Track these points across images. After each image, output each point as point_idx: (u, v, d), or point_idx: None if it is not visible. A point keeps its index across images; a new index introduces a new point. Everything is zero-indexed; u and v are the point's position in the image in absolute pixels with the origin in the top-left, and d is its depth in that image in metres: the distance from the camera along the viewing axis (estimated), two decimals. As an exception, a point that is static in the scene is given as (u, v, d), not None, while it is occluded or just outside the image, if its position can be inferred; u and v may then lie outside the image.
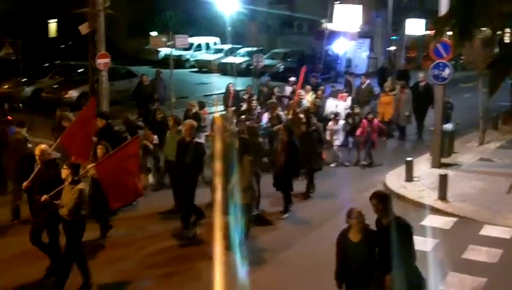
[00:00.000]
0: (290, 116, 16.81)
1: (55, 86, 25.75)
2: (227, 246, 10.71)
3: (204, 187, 13.24)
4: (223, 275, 9.55)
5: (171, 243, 11.61)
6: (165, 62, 29.33)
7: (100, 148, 10.88)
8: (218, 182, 11.37)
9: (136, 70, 27.93)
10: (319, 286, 8.22)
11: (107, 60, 20.15)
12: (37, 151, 10.05)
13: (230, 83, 21.80)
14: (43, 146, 10.21)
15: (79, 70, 26.58)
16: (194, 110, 17.12)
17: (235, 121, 16.11)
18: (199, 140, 12.30)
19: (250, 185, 11.26)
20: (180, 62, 36.80)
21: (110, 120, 13.89)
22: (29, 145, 12.12)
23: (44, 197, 9.20)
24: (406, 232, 7.33)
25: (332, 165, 17.25)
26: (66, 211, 8.91)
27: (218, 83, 25.55)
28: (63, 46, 40.20)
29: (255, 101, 18.82)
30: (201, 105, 18.10)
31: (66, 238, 9.22)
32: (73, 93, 24.86)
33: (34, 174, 10.06)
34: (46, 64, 28.98)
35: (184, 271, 10.41)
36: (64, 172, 9.09)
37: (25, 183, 10.13)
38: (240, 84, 26.30)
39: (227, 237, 10.90)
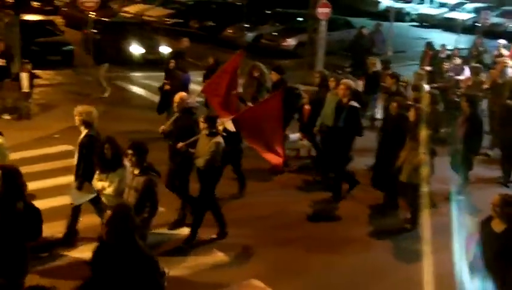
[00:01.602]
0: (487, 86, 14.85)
1: (275, 33, 26.35)
2: (379, 229, 9.91)
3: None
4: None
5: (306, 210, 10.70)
6: (384, 14, 28.64)
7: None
8: (384, 153, 10.36)
9: (355, 22, 27.58)
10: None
11: (327, 10, 20.09)
12: (176, 98, 9.89)
13: (428, 42, 20.04)
14: (182, 93, 10.07)
15: (298, 19, 26.88)
16: (374, 69, 15.30)
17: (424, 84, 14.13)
18: (355, 103, 10.83)
19: (423, 163, 9.55)
20: (400, 15, 35.69)
21: (284, 75, 12.90)
22: None
23: (180, 145, 9.19)
24: None
25: None
26: (202, 162, 8.78)
27: (439, 39, 24.26)
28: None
29: (447, 63, 16.79)
30: (386, 64, 16.14)
31: (200, 187, 9.09)
32: (291, 42, 25.29)
33: (172, 120, 10.00)
34: (268, 12, 29.71)
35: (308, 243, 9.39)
36: (201, 124, 8.93)
37: (162, 127, 10.07)
38: (463, 42, 24.85)
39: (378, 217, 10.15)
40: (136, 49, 21.61)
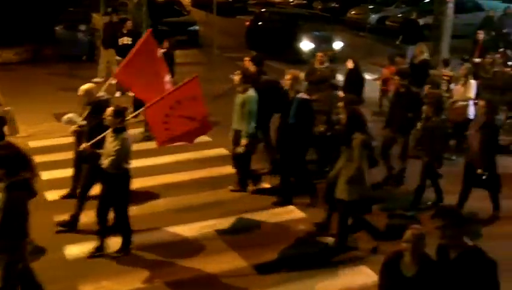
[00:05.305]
0: None
1: (400, 15, 25.71)
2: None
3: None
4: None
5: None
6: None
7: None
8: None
9: (485, 5, 26.31)
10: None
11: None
12: (80, 91, 8.64)
13: (479, 31, 17.51)
14: (87, 85, 8.75)
15: (425, 0, 26.04)
16: (421, 57, 13.34)
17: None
18: (305, 95, 9.35)
19: (359, 176, 7.75)
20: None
21: (262, 67, 11.08)
22: None
23: (83, 146, 7.97)
24: (485, 271, 4.89)
25: None
26: (107, 163, 7.56)
27: None
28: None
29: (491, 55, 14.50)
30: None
31: (102, 193, 7.86)
32: (417, 24, 24.54)
33: (83, 117, 8.65)
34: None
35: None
36: (108, 119, 7.62)
37: (73, 127, 8.86)
38: None
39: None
40: (306, 45, 19.60)
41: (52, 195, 9.29)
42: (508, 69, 14.36)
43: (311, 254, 8.01)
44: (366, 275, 7.41)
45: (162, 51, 13.48)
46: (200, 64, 19.07)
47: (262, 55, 11.70)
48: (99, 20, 19.33)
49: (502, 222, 8.97)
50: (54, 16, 19.78)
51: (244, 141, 9.36)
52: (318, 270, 7.61)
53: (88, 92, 8.55)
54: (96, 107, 8.29)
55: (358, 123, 7.91)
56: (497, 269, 4.85)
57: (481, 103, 9.14)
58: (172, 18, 22.80)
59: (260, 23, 22.40)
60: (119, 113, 7.62)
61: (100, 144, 7.77)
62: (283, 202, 9.45)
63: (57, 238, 8.17)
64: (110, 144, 7.57)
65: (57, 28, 19.29)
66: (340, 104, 8.67)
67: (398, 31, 19.17)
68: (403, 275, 5.13)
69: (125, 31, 15.54)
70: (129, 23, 16.02)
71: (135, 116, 8.69)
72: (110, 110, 7.60)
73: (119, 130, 7.57)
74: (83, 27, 19.22)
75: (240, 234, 8.58)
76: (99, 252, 7.76)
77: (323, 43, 19.89)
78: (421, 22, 23.72)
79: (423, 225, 6.39)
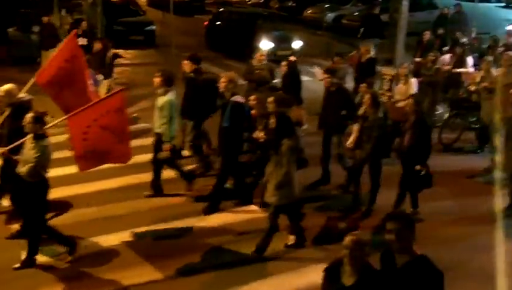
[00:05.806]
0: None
1: (356, 13, 25.97)
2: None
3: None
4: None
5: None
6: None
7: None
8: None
9: (439, 2, 26.77)
10: None
11: (409, -11, 19.52)
12: (0, 92, 8.17)
13: (427, 31, 17.79)
14: (8, 85, 8.22)
15: (380, -1, 26.41)
16: (368, 56, 13.26)
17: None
18: (239, 98, 9.18)
19: (288, 181, 7.69)
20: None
21: (200, 65, 10.81)
22: None
23: (1, 151, 7.62)
24: (432, 283, 4.61)
25: None
26: (25, 170, 7.13)
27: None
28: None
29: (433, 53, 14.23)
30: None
31: (27, 204, 7.45)
32: (372, 22, 24.78)
33: (2, 121, 8.11)
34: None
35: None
36: (27, 126, 7.18)
37: None
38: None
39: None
40: (265, 44, 18.84)
41: (8, 200, 8.94)
42: (449, 67, 14.63)
43: (231, 263, 7.86)
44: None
45: (96, 51, 13.56)
46: (157, 64, 18.79)
47: (199, 55, 11.47)
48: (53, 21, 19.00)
49: (445, 224, 8.98)
50: (7, 18, 19.35)
51: (166, 146, 9.26)
52: (283, 269, 7.70)
53: (9, 93, 8.13)
54: (17, 109, 7.93)
55: (287, 128, 7.80)
56: (444, 281, 4.61)
57: (409, 101, 9.12)
58: (128, 18, 22.58)
59: (219, 22, 22.35)
60: (39, 119, 7.22)
61: (19, 149, 7.40)
62: (243, 202, 9.40)
63: (11, 243, 8.00)
64: (30, 151, 7.17)
65: (10, 30, 18.89)
66: (270, 99, 8.57)
67: (359, 25, 19.25)
68: (342, 284, 4.89)
69: (80, 32, 15.27)
70: (84, 24, 15.81)
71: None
72: (29, 116, 7.18)
73: (39, 137, 7.19)
74: (36, 29, 18.83)
75: (179, 240, 8.45)
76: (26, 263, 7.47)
77: (282, 42, 19.92)
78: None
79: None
